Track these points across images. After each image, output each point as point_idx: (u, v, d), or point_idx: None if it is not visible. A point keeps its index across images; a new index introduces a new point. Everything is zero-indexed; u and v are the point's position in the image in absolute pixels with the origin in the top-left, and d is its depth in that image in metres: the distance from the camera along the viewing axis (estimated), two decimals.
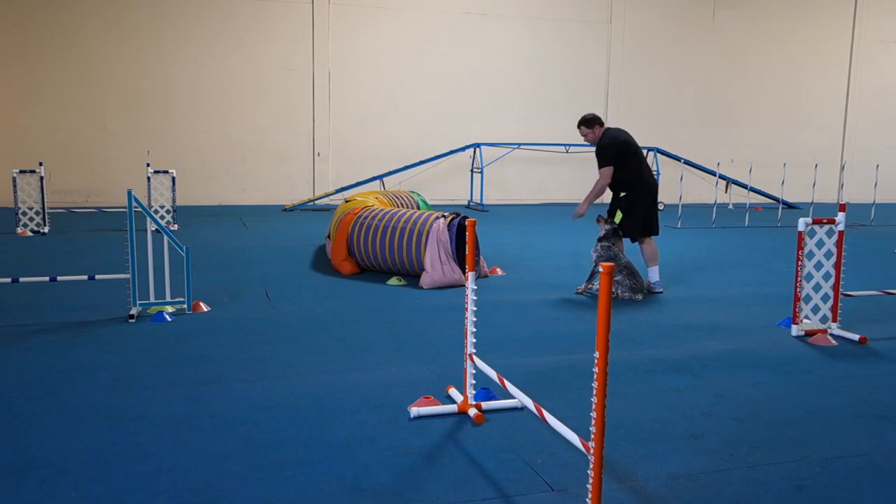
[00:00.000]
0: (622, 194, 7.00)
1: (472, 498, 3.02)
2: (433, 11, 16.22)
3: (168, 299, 6.01)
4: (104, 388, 4.21)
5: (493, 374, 3.68)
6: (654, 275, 7.14)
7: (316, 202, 15.23)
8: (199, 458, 3.31)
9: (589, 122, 6.99)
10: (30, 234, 10.60)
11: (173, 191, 11.65)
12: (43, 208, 10.86)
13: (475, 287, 3.76)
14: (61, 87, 14.61)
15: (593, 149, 7.02)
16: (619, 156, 6.87)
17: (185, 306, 6.04)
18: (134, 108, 14.98)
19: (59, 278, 6.27)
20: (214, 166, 15.46)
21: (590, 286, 6.96)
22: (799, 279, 5.50)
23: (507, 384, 3.50)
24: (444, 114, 16.47)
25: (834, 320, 5.63)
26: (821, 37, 18.81)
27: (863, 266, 8.79)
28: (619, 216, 6.97)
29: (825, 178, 17.69)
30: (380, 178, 15.20)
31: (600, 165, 6.89)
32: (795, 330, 5.58)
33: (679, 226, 12.66)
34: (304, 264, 8.46)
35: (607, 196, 7.28)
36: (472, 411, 3.82)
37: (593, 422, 2.58)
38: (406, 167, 15.60)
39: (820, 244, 5.63)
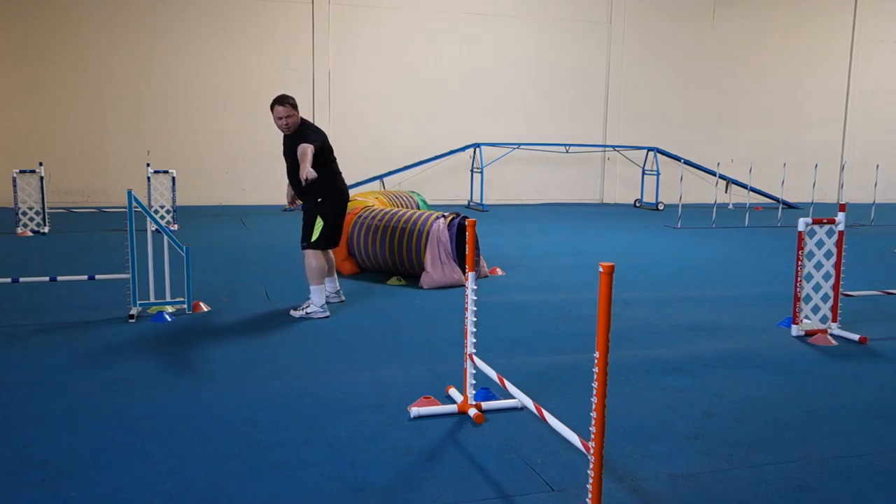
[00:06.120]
0: (319, 199, 6.02)
1: (472, 498, 3.02)
2: (433, 11, 16.21)
3: (168, 299, 6.01)
4: (104, 388, 4.21)
5: (493, 374, 3.68)
6: (333, 280, 6.51)
7: None
8: (199, 458, 3.31)
9: (294, 103, 5.94)
10: (30, 234, 10.60)
11: (173, 191, 11.64)
12: (43, 208, 10.86)
13: (475, 287, 3.76)
14: (61, 87, 14.60)
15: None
16: (321, 149, 5.91)
17: (185, 306, 6.04)
18: (134, 108, 14.97)
19: (59, 278, 6.27)
20: (214, 166, 15.46)
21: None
22: (799, 279, 5.50)
23: (507, 384, 3.50)
24: (444, 114, 16.46)
25: (834, 320, 5.63)
26: (821, 37, 18.80)
27: (863, 266, 8.79)
28: (319, 224, 5.98)
29: (825, 178, 17.69)
30: (380, 178, 15.20)
31: (307, 142, 5.76)
32: (795, 330, 5.58)
33: (679, 226, 12.66)
34: (303, 264, 8.43)
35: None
36: (472, 411, 3.82)
37: (593, 422, 2.58)
38: (406, 167, 15.60)
39: (820, 244, 5.63)
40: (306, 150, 5.70)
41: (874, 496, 3.12)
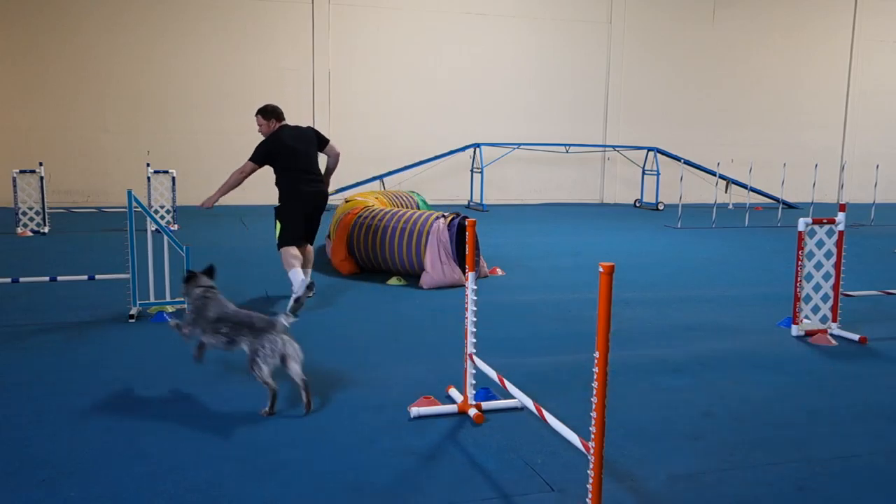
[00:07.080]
0: (277, 205, 6.51)
1: (472, 498, 3.02)
2: (433, 11, 16.21)
3: (168, 299, 6.00)
4: (104, 388, 4.21)
5: (493, 374, 3.67)
6: (306, 276, 6.41)
7: None
8: (199, 458, 3.31)
9: (267, 113, 6.41)
10: (30, 234, 10.59)
11: (173, 191, 11.64)
12: (43, 208, 10.86)
13: (475, 287, 3.76)
14: (61, 87, 14.60)
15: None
16: (269, 157, 6.32)
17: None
18: (133, 108, 14.97)
19: (59, 278, 6.26)
20: (214, 166, 15.38)
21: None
22: (799, 279, 5.50)
23: (507, 384, 3.50)
24: (444, 114, 16.46)
25: (834, 320, 5.63)
26: (821, 37, 18.80)
27: (863, 266, 8.79)
28: (278, 226, 6.44)
29: (825, 178, 17.68)
30: (380, 178, 15.19)
31: (250, 158, 6.41)
32: (795, 330, 5.58)
33: (679, 226, 12.66)
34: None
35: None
36: (472, 411, 3.82)
37: (593, 422, 2.58)
38: (406, 167, 15.60)
39: (820, 244, 5.63)
40: (231, 174, 6.37)
41: (874, 496, 3.12)
